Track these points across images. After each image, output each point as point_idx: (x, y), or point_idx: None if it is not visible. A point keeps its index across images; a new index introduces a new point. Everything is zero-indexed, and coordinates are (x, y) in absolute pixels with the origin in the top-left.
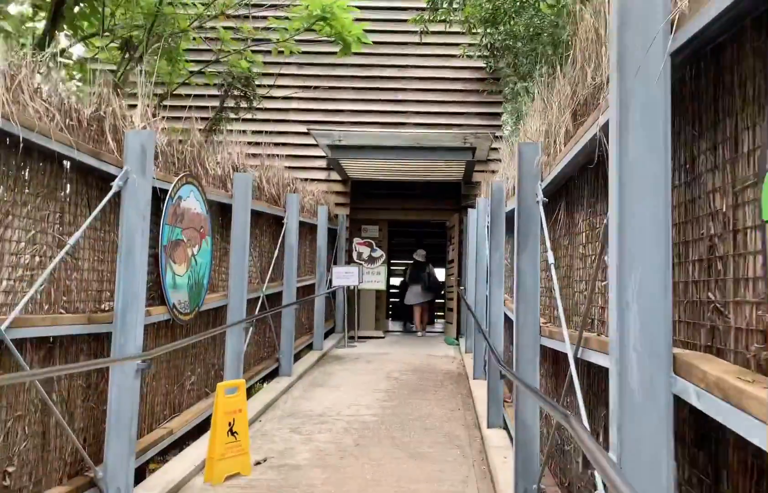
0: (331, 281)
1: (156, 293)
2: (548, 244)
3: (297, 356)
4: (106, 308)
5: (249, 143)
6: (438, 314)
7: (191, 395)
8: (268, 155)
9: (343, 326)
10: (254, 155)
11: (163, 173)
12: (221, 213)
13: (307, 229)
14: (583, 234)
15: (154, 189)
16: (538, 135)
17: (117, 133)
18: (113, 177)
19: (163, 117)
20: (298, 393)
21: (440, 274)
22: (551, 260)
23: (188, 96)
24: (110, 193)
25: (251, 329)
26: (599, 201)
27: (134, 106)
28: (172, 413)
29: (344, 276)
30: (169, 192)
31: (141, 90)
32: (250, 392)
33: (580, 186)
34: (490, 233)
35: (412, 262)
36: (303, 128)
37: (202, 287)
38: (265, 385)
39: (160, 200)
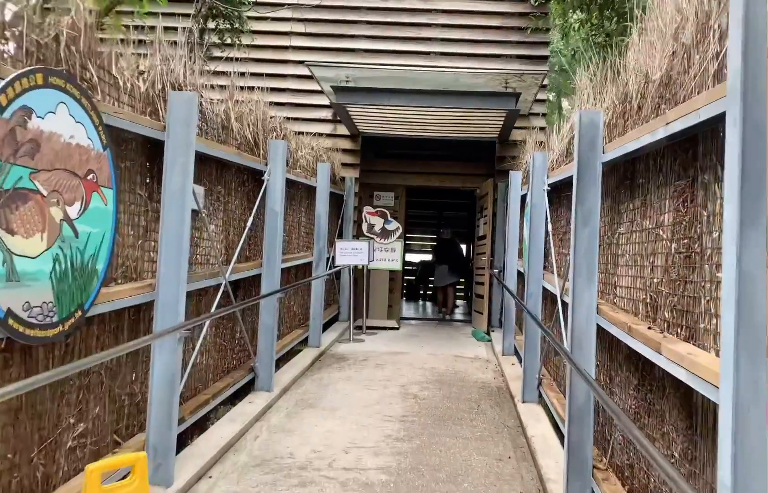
0: (334, 258)
1: None
2: None
3: (286, 358)
4: None
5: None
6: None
7: (78, 456)
8: (243, 87)
9: (349, 314)
10: (220, 72)
11: None
12: (149, 155)
13: (303, 193)
14: None
15: None
16: None
17: None
18: None
19: None
20: (278, 420)
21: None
22: None
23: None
24: None
25: (204, 332)
26: None
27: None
28: None
29: (350, 253)
30: None
31: None
32: (206, 422)
33: None
34: (576, 197)
35: (437, 239)
36: (304, 71)
37: (94, 275)
38: (233, 407)
39: None
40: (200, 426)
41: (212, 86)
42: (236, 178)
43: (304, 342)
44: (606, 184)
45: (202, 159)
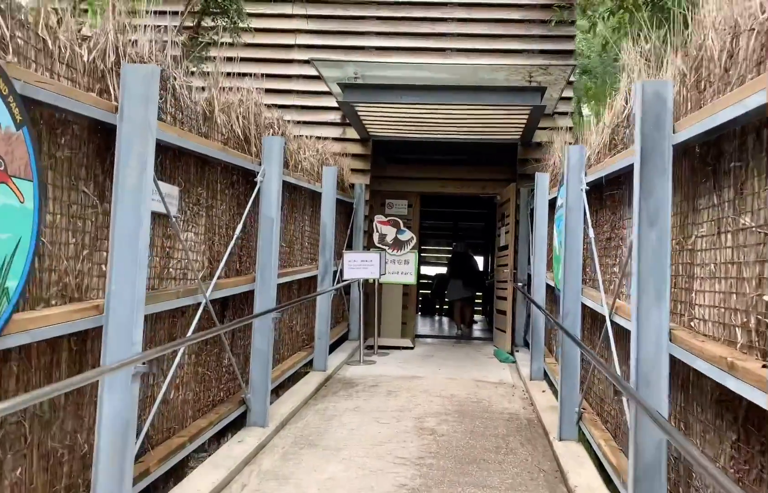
0: (342, 272)
1: None
2: None
3: (287, 383)
4: None
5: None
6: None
7: None
8: (240, 88)
9: (359, 333)
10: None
11: None
12: (100, 144)
13: (307, 199)
14: None
15: None
16: None
17: None
18: None
19: None
20: (271, 464)
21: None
22: None
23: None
24: None
25: (178, 360)
26: None
27: None
28: None
29: (360, 266)
30: None
31: None
32: (185, 468)
33: None
34: (640, 191)
35: (451, 252)
36: (311, 71)
37: (2, 296)
38: (219, 448)
39: None
40: (177, 472)
41: (189, 86)
42: (223, 178)
43: (310, 364)
44: (674, 175)
45: (176, 153)
